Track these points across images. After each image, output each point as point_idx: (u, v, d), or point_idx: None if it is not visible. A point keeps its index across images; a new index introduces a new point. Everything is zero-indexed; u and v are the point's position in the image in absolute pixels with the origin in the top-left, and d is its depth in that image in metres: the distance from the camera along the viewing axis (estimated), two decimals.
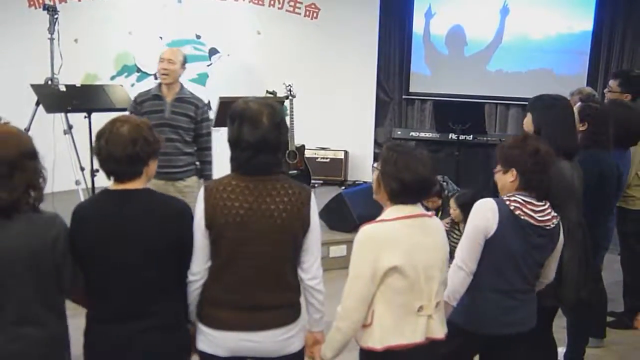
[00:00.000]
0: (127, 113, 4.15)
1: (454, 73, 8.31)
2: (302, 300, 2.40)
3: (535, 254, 2.60)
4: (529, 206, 2.54)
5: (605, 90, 4.47)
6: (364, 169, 8.05)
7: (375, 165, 2.38)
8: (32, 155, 2.12)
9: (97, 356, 2.25)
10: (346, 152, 7.82)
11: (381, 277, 2.22)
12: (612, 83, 4.30)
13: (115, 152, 2.16)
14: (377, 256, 2.21)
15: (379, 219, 2.31)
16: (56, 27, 5.63)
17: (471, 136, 6.59)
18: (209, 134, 4.44)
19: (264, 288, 2.26)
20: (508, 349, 2.69)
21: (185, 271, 2.31)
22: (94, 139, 2.24)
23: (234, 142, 2.27)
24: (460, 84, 8.19)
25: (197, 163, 4.45)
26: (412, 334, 2.26)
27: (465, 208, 3.20)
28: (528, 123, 3.13)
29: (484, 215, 2.52)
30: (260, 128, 2.21)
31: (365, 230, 2.27)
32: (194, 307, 2.35)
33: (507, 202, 2.54)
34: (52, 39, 5.63)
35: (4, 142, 2.05)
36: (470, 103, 7.61)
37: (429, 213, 2.38)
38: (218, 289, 2.27)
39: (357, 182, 7.53)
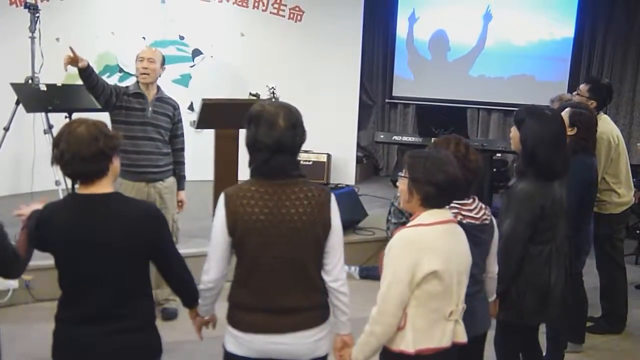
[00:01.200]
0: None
1: (437, 78, 8.37)
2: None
3: (480, 252, 2.60)
4: (465, 207, 2.55)
5: (574, 93, 4.51)
6: (346, 172, 8.06)
7: (401, 174, 2.35)
8: None
9: (65, 357, 2.25)
10: (329, 155, 7.82)
11: (418, 282, 2.20)
12: (583, 87, 4.35)
13: (80, 152, 2.13)
14: (417, 261, 2.18)
15: (414, 223, 2.28)
16: (37, 26, 5.57)
17: None
18: (183, 135, 4.47)
19: (289, 291, 2.27)
20: (477, 352, 2.73)
21: (169, 268, 2.36)
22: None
23: (250, 144, 2.26)
24: (443, 88, 8.25)
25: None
26: (441, 338, 2.25)
27: None
28: (516, 140, 2.98)
29: None
30: (276, 129, 2.20)
31: (404, 234, 2.25)
32: (209, 308, 2.45)
33: None
34: (32, 38, 5.56)
35: None
36: (452, 107, 7.66)
37: (456, 219, 2.37)
38: (245, 294, 2.29)
39: (339, 185, 7.53)
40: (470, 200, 2.58)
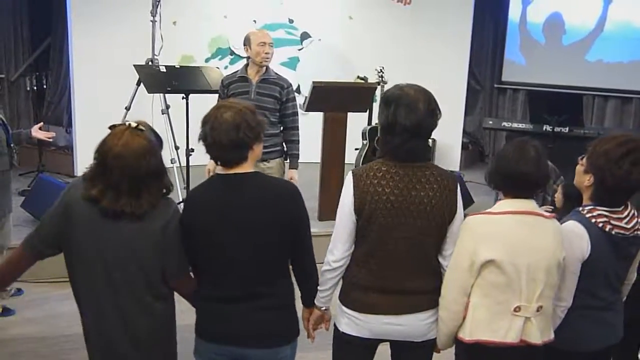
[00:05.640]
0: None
1: (551, 62, 8.03)
2: None
3: (624, 264, 2.45)
4: (614, 216, 2.34)
5: None
6: (451, 157, 7.93)
7: None
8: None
9: (209, 333, 2.30)
10: (434, 140, 7.69)
11: (478, 269, 2.20)
12: None
13: (220, 139, 2.17)
14: (475, 248, 2.19)
15: (486, 210, 2.30)
16: (158, 10, 5.83)
17: (567, 128, 6.34)
18: (294, 114, 4.48)
19: (410, 273, 2.29)
20: None
21: (299, 252, 2.34)
22: (198, 124, 2.26)
23: (388, 127, 2.26)
24: (557, 73, 7.92)
25: (283, 144, 4.51)
26: (505, 333, 2.22)
27: (570, 199, 3.15)
28: None
29: (579, 245, 2.31)
30: (416, 113, 2.22)
31: (468, 220, 2.27)
32: (329, 294, 2.41)
33: (594, 221, 2.33)
34: (154, 22, 5.83)
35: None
36: (567, 94, 7.33)
37: (548, 214, 2.29)
38: (365, 274, 2.31)
39: None
40: (622, 208, 2.38)
